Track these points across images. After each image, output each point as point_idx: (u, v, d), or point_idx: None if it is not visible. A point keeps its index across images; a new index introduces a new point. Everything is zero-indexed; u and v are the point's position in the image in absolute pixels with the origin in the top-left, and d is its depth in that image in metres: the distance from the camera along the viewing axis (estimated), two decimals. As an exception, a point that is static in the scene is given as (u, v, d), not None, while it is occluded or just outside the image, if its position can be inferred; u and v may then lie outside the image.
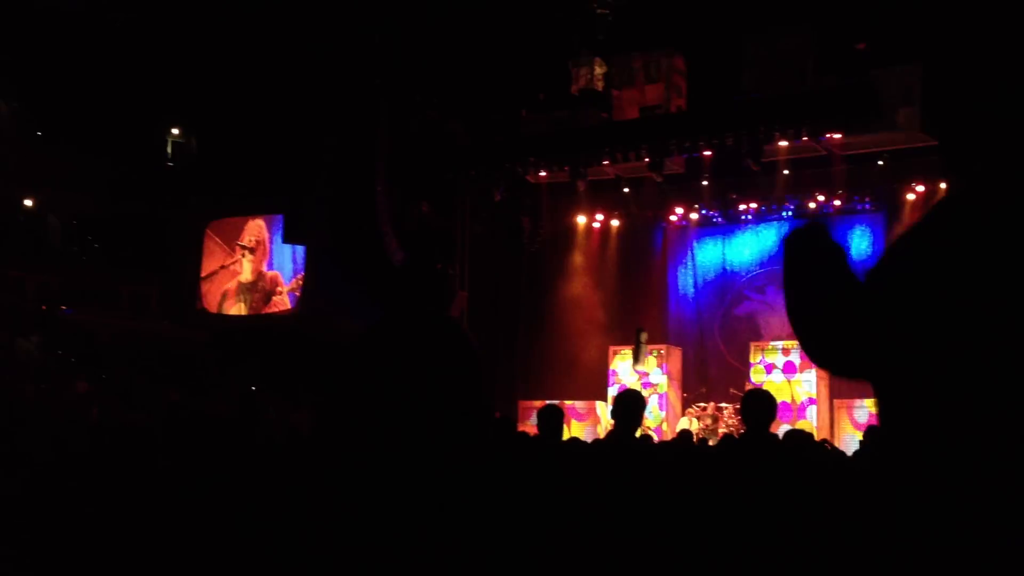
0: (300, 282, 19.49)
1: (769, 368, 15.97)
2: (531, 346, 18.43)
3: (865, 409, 14.65)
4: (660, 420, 16.49)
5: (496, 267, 18.36)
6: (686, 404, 16.68)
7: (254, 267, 20.19)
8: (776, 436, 5.38)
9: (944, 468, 1.60)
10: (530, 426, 12.06)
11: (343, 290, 16.50)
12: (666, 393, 16.79)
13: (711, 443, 12.73)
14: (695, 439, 11.79)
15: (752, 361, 16.15)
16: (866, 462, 7.14)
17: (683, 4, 15.62)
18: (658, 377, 16.86)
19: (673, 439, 12.27)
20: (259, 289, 20.12)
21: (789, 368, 15.83)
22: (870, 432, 8.54)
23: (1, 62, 18.56)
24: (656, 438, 13.73)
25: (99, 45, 18.59)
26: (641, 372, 16.78)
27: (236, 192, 19.76)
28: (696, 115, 15.73)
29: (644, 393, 14.23)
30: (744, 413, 5.21)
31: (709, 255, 18.22)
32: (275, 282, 19.98)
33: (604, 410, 16.44)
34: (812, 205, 16.92)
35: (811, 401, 15.59)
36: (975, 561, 1.55)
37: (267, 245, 20.14)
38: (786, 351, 15.81)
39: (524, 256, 18.66)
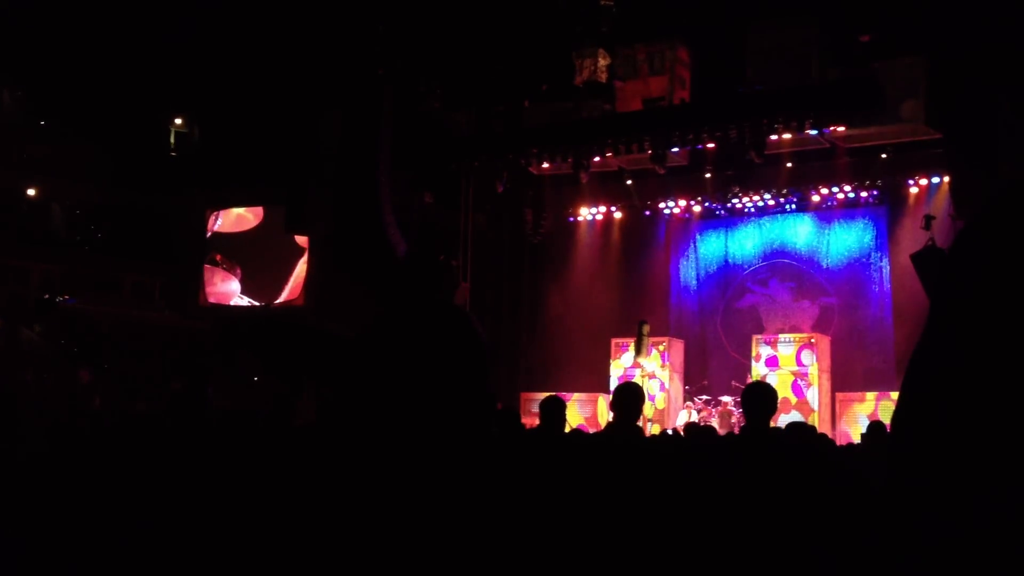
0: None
1: (769, 361, 16.05)
2: (533, 338, 18.44)
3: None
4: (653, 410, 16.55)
5: (498, 258, 18.36)
6: (687, 397, 16.71)
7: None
8: (778, 429, 5.39)
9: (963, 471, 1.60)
10: (533, 415, 12.08)
11: (346, 281, 16.49)
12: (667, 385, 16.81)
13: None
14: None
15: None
16: (870, 456, 7.15)
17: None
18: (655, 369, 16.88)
19: (674, 431, 12.26)
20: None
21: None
22: (872, 428, 8.59)
23: (5, 51, 18.54)
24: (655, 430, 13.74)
25: (103, 34, 18.57)
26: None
27: (239, 182, 19.75)
28: (699, 107, 15.71)
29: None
30: (745, 406, 5.22)
31: (711, 247, 18.21)
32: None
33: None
34: (815, 198, 16.94)
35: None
36: (981, 559, 1.55)
37: None
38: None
39: (526, 247, 18.65)
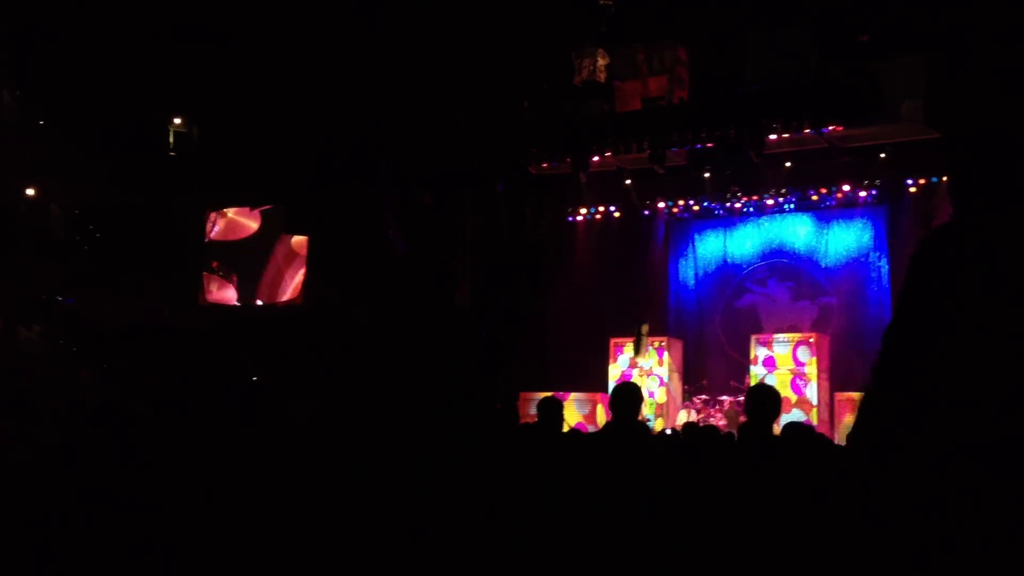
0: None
1: (767, 362, 16.07)
2: (532, 338, 18.43)
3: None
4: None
5: (498, 258, 18.35)
6: (686, 396, 16.73)
7: None
8: (773, 429, 5.39)
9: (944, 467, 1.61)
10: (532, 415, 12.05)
11: (346, 281, 16.49)
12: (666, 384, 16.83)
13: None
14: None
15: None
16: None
17: (686, -5, 15.63)
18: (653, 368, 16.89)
19: (674, 430, 12.28)
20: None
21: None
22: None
23: (4, 51, 18.54)
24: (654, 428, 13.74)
25: (102, 34, 18.56)
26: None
27: (238, 182, 19.74)
28: (699, 107, 15.72)
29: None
30: (747, 408, 5.22)
31: (710, 247, 18.22)
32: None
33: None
34: (814, 198, 16.95)
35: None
36: (971, 556, 1.56)
37: None
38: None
39: (526, 247, 18.65)
